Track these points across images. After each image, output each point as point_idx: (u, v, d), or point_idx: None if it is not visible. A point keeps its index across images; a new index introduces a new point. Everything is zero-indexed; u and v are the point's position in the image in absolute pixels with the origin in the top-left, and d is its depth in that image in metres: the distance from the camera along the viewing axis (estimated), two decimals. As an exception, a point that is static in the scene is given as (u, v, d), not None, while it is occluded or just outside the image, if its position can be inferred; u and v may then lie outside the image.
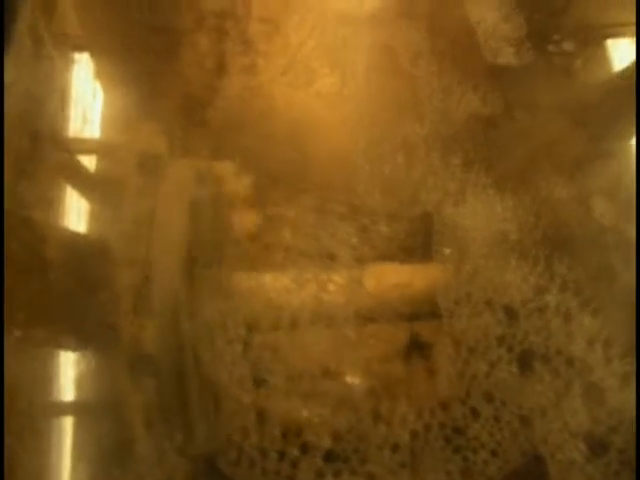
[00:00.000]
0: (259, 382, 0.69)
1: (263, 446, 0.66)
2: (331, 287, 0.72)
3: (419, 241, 0.78)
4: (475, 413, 0.69)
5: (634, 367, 0.73)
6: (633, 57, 0.89)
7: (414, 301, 0.74)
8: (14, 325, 0.71)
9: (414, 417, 0.68)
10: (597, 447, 0.70)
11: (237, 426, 0.67)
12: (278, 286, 0.73)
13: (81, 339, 0.74)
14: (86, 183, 0.85)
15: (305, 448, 0.66)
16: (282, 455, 0.66)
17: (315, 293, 0.72)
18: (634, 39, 0.91)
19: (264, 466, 0.65)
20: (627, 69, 0.89)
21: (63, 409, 0.73)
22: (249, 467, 0.65)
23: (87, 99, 0.91)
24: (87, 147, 0.89)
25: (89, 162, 0.87)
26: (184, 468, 0.66)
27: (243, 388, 0.69)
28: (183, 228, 0.78)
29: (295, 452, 0.66)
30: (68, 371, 0.72)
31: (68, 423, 0.71)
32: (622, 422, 0.71)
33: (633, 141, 0.87)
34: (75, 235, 0.81)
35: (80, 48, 0.93)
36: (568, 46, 0.92)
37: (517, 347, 0.73)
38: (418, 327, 0.73)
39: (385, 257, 0.75)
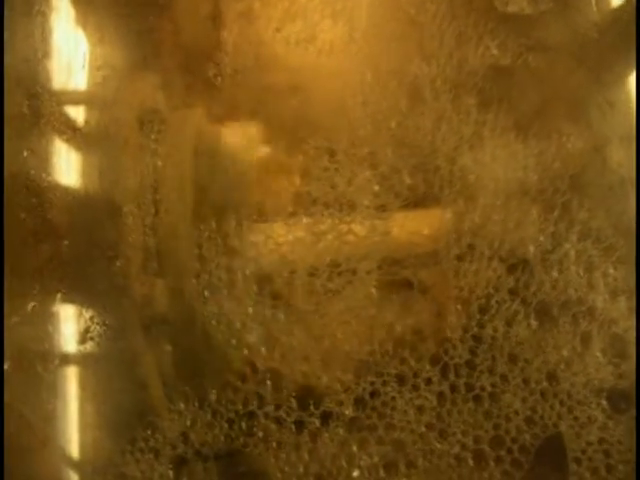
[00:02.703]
0: (273, 345, 0.56)
1: (279, 416, 0.54)
2: (351, 238, 0.58)
3: (435, 191, 0.64)
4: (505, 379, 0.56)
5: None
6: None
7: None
8: (28, 296, 0.61)
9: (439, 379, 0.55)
10: (620, 402, 0.60)
11: (250, 394, 0.55)
12: (291, 238, 0.59)
13: (94, 303, 0.62)
14: (86, 141, 0.70)
15: (326, 418, 0.54)
16: (301, 426, 0.54)
17: (333, 245, 0.58)
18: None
19: (280, 439, 0.53)
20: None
21: (84, 375, 0.62)
22: (264, 440, 0.53)
23: (84, 55, 0.77)
24: (87, 104, 0.73)
25: (87, 119, 0.71)
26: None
27: (256, 352, 0.56)
28: (187, 182, 0.65)
29: (315, 422, 0.54)
30: (85, 337, 0.62)
31: (89, 389, 0.61)
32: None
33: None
34: (81, 197, 0.67)
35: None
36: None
37: (533, 299, 0.60)
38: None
39: (408, 206, 0.62)
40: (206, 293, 0.57)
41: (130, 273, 0.62)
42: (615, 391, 0.59)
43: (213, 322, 0.56)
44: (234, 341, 0.55)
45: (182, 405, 0.56)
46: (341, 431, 0.53)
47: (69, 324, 0.63)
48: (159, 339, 0.60)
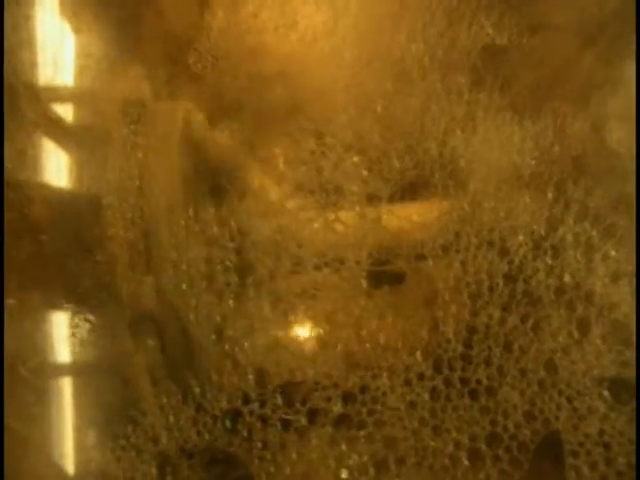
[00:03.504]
0: (257, 339, 0.53)
1: (264, 414, 0.51)
2: (339, 226, 0.55)
3: (425, 174, 0.61)
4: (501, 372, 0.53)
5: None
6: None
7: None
8: (7, 292, 0.57)
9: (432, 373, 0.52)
10: (622, 392, 0.56)
11: (233, 391, 0.52)
12: (274, 226, 0.55)
13: (78, 301, 0.59)
14: (69, 136, 0.67)
15: (313, 415, 0.51)
16: (287, 424, 0.50)
17: (320, 233, 0.55)
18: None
19: (265, 438, 0.50)
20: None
21: (65, 373, 0.60)
22: (247, 439, 0.50)
23: (61, 45, 0.74)
24: (66, 97, 0.71)
25: (68, 111, 0.69)
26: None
27: (238, 347, 0.53)
28: (172, 176, 0.62)
29: (302, 420, 0.51)
30: (68, 335, 0.60)
31: (71, 387, 0.59)
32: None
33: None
34: (63, 193, 0.65)
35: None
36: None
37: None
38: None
39: (397, 192, 0.58)
40: (184, 286, 0.54)
41: (115, 269, 0.60)
42: (617, 380, 0.56)
43: (191, 317, 0.53)
44: (214, 336, 0.53)
45: (165, 400, 0.54)
46: (329, 429, 0.50)
47: (51, 322, 0.60)
48: (145, 335, 0.57)
